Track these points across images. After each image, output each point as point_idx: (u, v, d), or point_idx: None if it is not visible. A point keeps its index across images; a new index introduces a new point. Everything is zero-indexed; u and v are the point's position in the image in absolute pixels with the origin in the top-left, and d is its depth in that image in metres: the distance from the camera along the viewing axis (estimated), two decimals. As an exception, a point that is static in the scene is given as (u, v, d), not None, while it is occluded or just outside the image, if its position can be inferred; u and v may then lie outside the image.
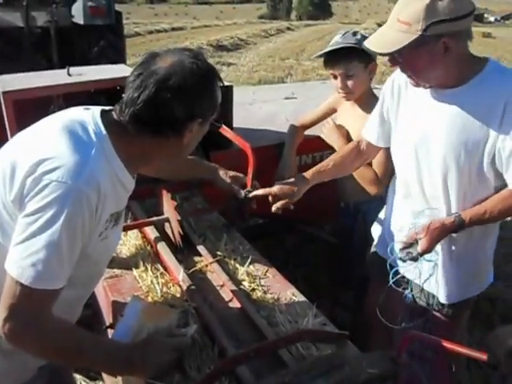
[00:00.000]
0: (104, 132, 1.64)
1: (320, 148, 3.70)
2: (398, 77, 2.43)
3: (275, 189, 2.50)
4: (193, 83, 1.63)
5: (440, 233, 2.16)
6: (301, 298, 2.24)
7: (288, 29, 37.90)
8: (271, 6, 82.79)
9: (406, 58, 2.09)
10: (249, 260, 2.47)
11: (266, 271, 2.43)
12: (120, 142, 1.67)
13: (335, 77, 3.01)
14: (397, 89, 2.45)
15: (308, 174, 2.59)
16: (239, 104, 3.51)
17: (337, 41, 2.95)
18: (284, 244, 4.82)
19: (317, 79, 14.38)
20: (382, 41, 2.13)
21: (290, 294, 2.26)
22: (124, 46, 7.78)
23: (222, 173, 2.62)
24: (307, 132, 3.49)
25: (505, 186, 2.17)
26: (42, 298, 1.51)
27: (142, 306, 1.82)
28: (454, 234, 2.26)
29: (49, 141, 1.59)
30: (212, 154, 3.34)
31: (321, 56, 3.03)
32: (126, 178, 1.75)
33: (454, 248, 2.37)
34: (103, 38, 7.10)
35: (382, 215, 2.85)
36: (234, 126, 3.46)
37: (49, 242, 1.48)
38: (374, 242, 2.87)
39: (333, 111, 3.39)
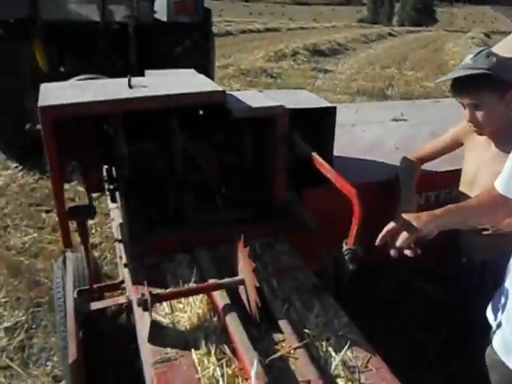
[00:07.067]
0: None
1: (443, 185, 3.27)
2: None
3: (393, 223, 2.08)
4: None
5: None
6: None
7: (390, 34, 37.06)
8: (372, 9, 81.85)
9: None
10: (347, 343, 1.97)
11: (368, 360, 1.92)
12: None
13: (464, 106, 2.60)
14: None
15: (437, 210, 2.12)
16: (340, 125, 3.02)
17: (467, 63, 2.52)
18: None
19: (420, 92, 13.75)
20: None
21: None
22: (212, 46, 7.33)
23: None
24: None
25: None
26: None
27: None
28: None
29: None
30: (306, 193, 2.85)
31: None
32: None
33: None
34: (188, 38, 6.70)
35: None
36: (334, 153, 2.96)
37: None
38: (494, 339, 2.22)
39: (458, 144, 2.95)
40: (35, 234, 5.26)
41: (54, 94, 2.41)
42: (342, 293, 2.36)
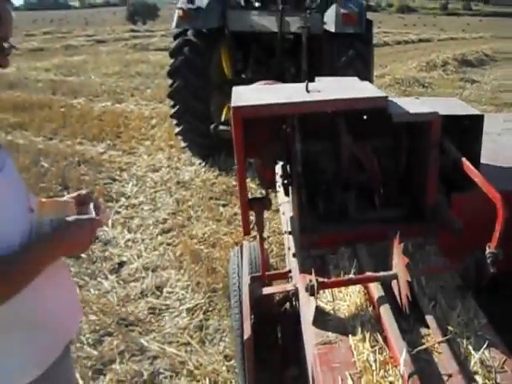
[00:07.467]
0: None
1: None
2: None
3: None
4: None
5: None
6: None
7: (537, 46, 35.09)
8: (519, 20, 78.08)
9: None
10: (485, 343, 1.94)
11: (504, 362, 1.88)
12: None
13: None
14: None
15: None
16: (486, 134, 2.93)
17: None
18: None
19: None
20: None
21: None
22: (372, 56, 7.32)
23: None
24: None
25: None
26: None
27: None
28: None
29: None
30: (455, 196, 2.81)
31: None
32: None
33: None
34: (352, 47, 6.70)
35: None
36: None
37: None
38: None
39: None
40: (213, 226, 5.53)
41: (244, 96, 2.57)
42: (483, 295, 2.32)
